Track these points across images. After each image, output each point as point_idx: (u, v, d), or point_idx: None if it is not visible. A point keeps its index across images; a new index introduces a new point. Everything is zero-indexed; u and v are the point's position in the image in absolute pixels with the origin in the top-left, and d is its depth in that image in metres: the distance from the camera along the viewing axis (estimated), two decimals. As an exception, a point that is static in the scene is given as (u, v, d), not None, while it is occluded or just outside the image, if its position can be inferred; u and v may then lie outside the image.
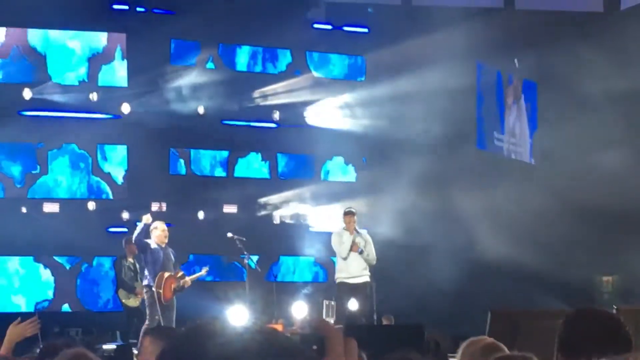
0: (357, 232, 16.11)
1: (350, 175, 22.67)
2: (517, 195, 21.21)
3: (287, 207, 21.70)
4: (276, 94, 21.46)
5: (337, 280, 16.07)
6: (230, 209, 21.29)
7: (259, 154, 21.84)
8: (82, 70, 20.45)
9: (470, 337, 5.98)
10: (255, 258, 17.71)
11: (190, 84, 20.81)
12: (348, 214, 16.30)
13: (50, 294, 20.09)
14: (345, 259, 15.91)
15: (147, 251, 15.58)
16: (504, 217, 20.75)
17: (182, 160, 21.29)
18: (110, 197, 20.62)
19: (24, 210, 19.83)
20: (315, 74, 22.18)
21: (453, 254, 20.68)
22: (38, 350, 13.52)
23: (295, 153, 21.97)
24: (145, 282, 15.73)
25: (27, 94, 19.71)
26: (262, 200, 21.43)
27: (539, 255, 20.92)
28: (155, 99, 20.81)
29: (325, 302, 17.66)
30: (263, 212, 21.45)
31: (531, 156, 24.02)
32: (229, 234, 17.58)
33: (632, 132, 21.20)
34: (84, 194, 20.50)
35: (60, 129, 19.96)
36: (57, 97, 20.06)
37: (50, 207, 20.03)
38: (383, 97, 21.21)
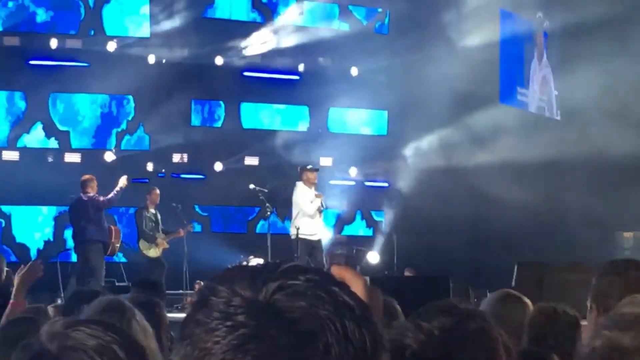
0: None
1: (380, 128, 22.48)
2: (538, 149, 21.09)
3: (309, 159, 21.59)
4: (298, 45, 21.17)
5: (298, 236, 15.89)
6: (251, 160, 21.13)
7: (281, 106, 21.70)
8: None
9: (496, 289, 5.99)
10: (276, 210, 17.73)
11: (213, 35, 20.62)
12: (315, 170, 16.35)
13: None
14: (312, 216, 15.91)
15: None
16: (524, 171, 20.66)
17: (203, 112, 21.19)
18: (133, 113, 20.52)
19: (49, 159, 19.79)
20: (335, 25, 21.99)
21: (473, 208, 20.68)
22: (59, 300, 13.55)
23: (318, 106, 21.71)
24: (97, 237, 16.16)
25: (53, 43, 19.53)
26: (285, 151, 21.27)
27: (559, 211, 20.88)
28: (176, 49, 20.70)
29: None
30: (285, 165, 21.31)
31: (556, 111, 23.80)
32: (251, 186, 17.57)
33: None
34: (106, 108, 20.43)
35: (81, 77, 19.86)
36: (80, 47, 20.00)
37: (72, 158, 19.97)
38: (405, 50, 20.95)
